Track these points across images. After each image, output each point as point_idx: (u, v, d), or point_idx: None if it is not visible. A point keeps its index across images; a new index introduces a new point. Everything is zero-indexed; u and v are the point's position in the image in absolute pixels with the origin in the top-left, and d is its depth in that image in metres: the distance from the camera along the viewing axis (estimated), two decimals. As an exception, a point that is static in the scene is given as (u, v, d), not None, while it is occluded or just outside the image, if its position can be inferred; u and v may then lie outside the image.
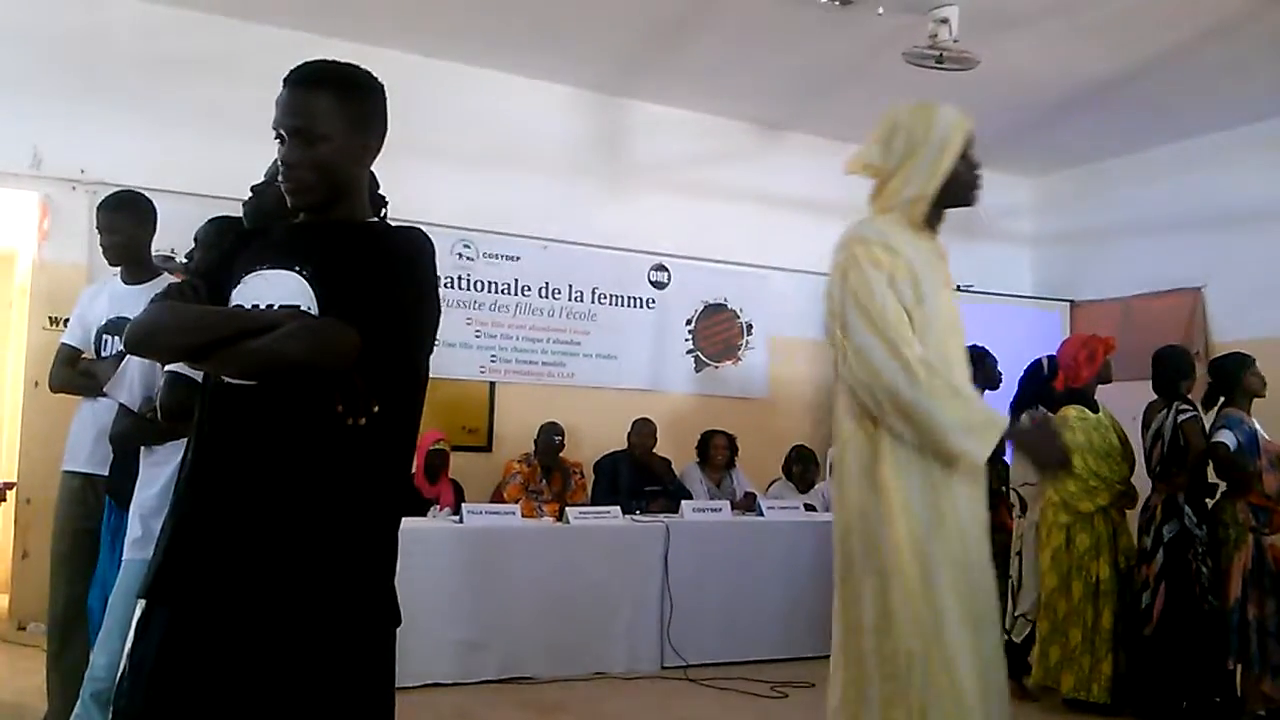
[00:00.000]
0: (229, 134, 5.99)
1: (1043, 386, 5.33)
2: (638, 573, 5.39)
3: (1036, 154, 8.44)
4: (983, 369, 5.49)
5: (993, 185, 8.47)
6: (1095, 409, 5.11)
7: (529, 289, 7.26)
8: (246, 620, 1.71)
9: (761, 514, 5.97)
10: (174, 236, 4.01)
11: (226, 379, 1.82)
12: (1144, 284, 8.00)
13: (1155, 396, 5.15)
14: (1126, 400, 5.42)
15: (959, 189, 2.70)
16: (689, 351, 7.78)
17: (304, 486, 1.76)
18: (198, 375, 1.95)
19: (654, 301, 7.69)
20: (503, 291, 7.16)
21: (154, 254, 3.87)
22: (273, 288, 1.84)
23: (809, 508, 6.45)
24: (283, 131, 1.88)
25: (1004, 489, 5.33)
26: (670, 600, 5.39)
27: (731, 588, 5.57)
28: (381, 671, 1.83)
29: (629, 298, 7.62)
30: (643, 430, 6.71)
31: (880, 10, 5.83)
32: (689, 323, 7.80)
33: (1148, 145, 8.04)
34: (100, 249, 3.77)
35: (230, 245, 2.05)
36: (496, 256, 7.15)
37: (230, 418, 1.81)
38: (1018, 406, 5.38)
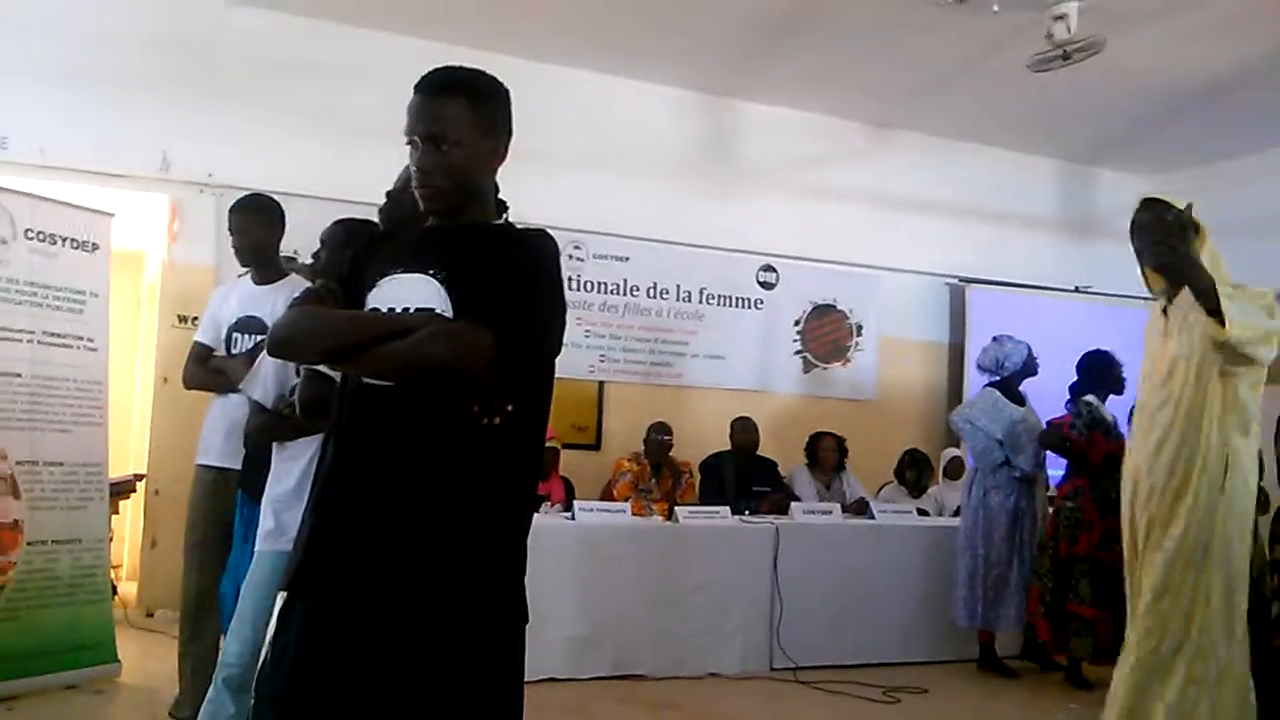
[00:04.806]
0: (350, 139, 6.17)
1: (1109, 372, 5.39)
2: (747, 573, 5.37)
3: (1154, 152, 8.19)
4: (1109, 375, 5.36)
5: (1111, 184, 8.31)
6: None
7: (638, 289, 7.30)
8: (383, 614, 1.75)
9: (873, 517, 5.91)
10: (297, 238, 4.12)
11: (365, 379, 1.86)
12: (1267, 284, 7.65)
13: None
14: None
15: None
16: (797, 352, 7.74)
17: (441, 485, 1.80)
18: (334, 373, 2.00)
19: (762, 302, 7.67)
20: (612, 292, 7.21)
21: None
22: (407, 291, 1.88)
23: (922, 512, 6.36)
24: (416, 138, 1.92)
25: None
26: (780, 602, 5.36)
27: (842, 591, 5.52)
28: (513, 668, 1.86)
29: (737, 298, 7.61)
30: (744, 429, 6.69)
31: (995, 8, 5.71)
32: (797, 323, 7.75)
33: (1266, 145, 7.74)
34: (230, 250, 3.89)
35: (363, 249, 2.11)
36: (606, 257, 7.20)
37: (369, 417, 1.85)
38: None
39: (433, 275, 1.88)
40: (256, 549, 2.86)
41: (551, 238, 1.97)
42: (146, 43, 6.07)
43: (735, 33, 6.48)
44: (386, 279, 1.92)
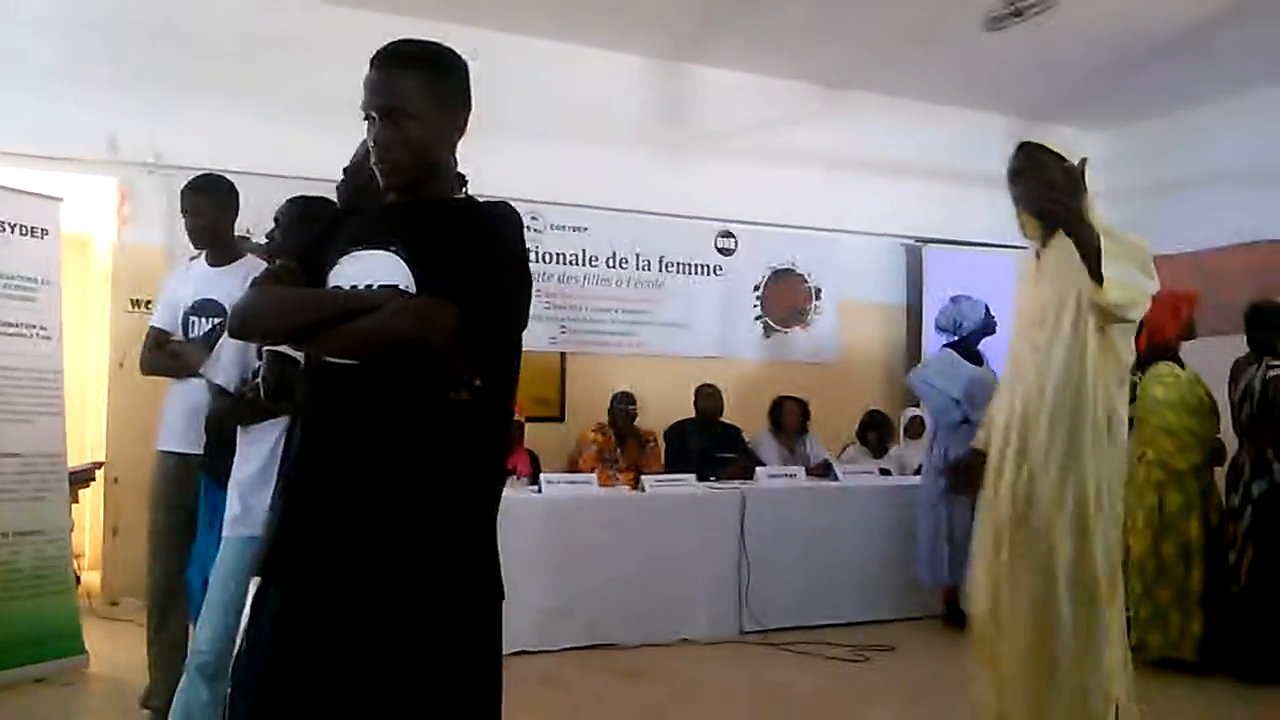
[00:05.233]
0: (302, 115, 6.08)
1: None
2: (715, 539, 5.41)
3: (1110, 106, 8.24)
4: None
5: (1068, 141, 8.32)
6: (1182, 366, 5.02)
7: (597, 259, 7.28)
8: (357, 597, 1.74)
9: (837, 479, 5.95)
10: (249, 217, 4.04)
11: (329, 359, 1.84)
12: (1223, 238, 7.79)
13: (1235, 354, 5.05)
14: (1201, 358, 5.29)
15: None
16: (758, 318, 7.77)
17: (410, 463, 1.79)
18: (298, 354, 1.98)
19: (721, 269, 7.67)
20: (571, 263, 7.18)
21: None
22: (369, 268, 1.85)
23: (884, 472, 6.42)
24: (373, 113, 1.89)
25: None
26: (748, 566, 5.40)
27: (809, 552, 5.58)
28: (491, 644, 1.86)
29: (697, 265, 7.61)
30: (708, 396, 6.73)
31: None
32: (756, 289, 7.77)
33: (1222, 96, 7.81)
34: (182, 231, 3.83)
35: (323, 227, 2.08)
36: (564, 228, 7.17)
37: (335, 397, 1.83)
38: None
39: (394, 251, 1.86)
40: (224, 534, 2.83)
41: (514, 210, 1.95)
42: (91, 23, 5.94)
43: (688, -1, 6.45)
44: (347, 257, 1.90)
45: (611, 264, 7.34)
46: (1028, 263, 3.27)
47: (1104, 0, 6.23)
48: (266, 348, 2.25)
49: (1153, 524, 4.90)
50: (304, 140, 5.94)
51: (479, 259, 1.83)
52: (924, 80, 7.74)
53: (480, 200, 2.00)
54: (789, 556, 5.53)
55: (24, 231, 4.78)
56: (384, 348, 1.78)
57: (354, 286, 1.85)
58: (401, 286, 1.82)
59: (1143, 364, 5.01)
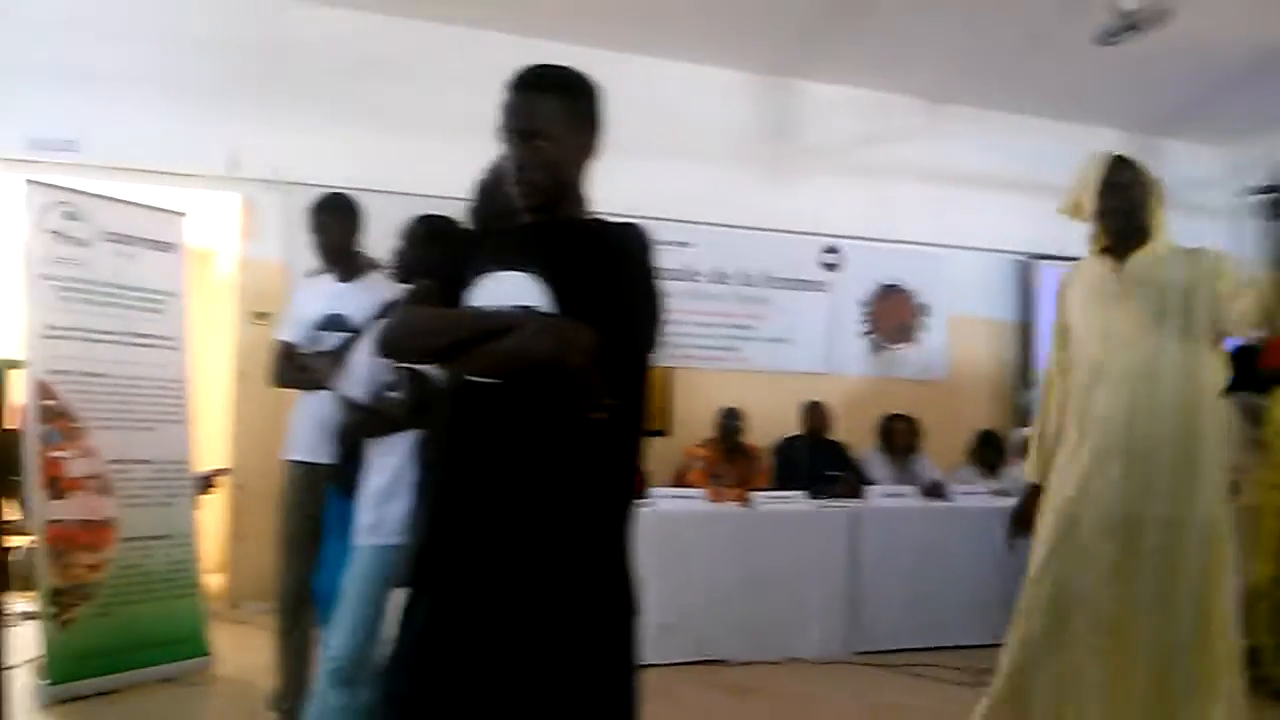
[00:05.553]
0: (417, 133, 6.24)
1: (1248, 368, 5.07)
2: (826, 557, 5.37)
3: (1222, 121, 8.00)
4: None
5: (1179, 155, 8.14)
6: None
7: (700, 275, 7.29)
8: (501, 610, 1.78)
9: (950, 499, 5.87)
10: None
11: (471, 377, 1.89)
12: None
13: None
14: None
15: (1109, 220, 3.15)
16: (864, 334, 7.69)
17: (549, 479, 1.83)
18: (434, 371, 2.03)
19: (826, 284, 7.62)
20: (675, 278, 7.20)
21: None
22: (507, 289, 1.90)
23: (998, 494, 6.30)
24: (511, 134, 1.94)
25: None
26: (859, 585, 5.35)
27: (921, 573, 5.50)
28: (627, 659, 1.88)
29: (801, 281, 7.57)
30: (816, 413, 6.68)
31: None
32: (863, 304, 7.70)
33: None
34: (300, 246, 3.94)
35: (461, 247, 2.14)
36: (668, 243, 7.18)
37: (476, 415, 1.88)
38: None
39: (531, 272, 1.90)
40: (356, 543, 2.90)
41: (646, 231, 1.99)
42: (213, 43, 6.15)
43: (791, 12, 6.43)
44: (486, 277, 1.95)
45: (716, 280, 7.35)
46: (1100, 279, 3.17)
47: (1219, 12, 6.06)
48: (405, 365, 2.31)
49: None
50: (421, 158, 6.11)
51: (614, 280, 1.87)
52: (1031, 94, 7.61)
53: (611, 220, 2.04)
54: (900, 576, 5.46)
55: (152, 245, 4.97)
56: (524, 367, 1.82)
57: (493, 307, 1.90)
58: (539, 307, 1.86)
59: (1262, 385, 4.86)
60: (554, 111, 1.94)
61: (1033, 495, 3.28)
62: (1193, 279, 3.03)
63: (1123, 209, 3.10)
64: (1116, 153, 3.19)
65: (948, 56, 7.00)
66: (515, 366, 1.82)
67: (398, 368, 2.36)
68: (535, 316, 1.85)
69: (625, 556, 1.91)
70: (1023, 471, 3.49)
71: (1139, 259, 3.09)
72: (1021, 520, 3.34)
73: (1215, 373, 3.04)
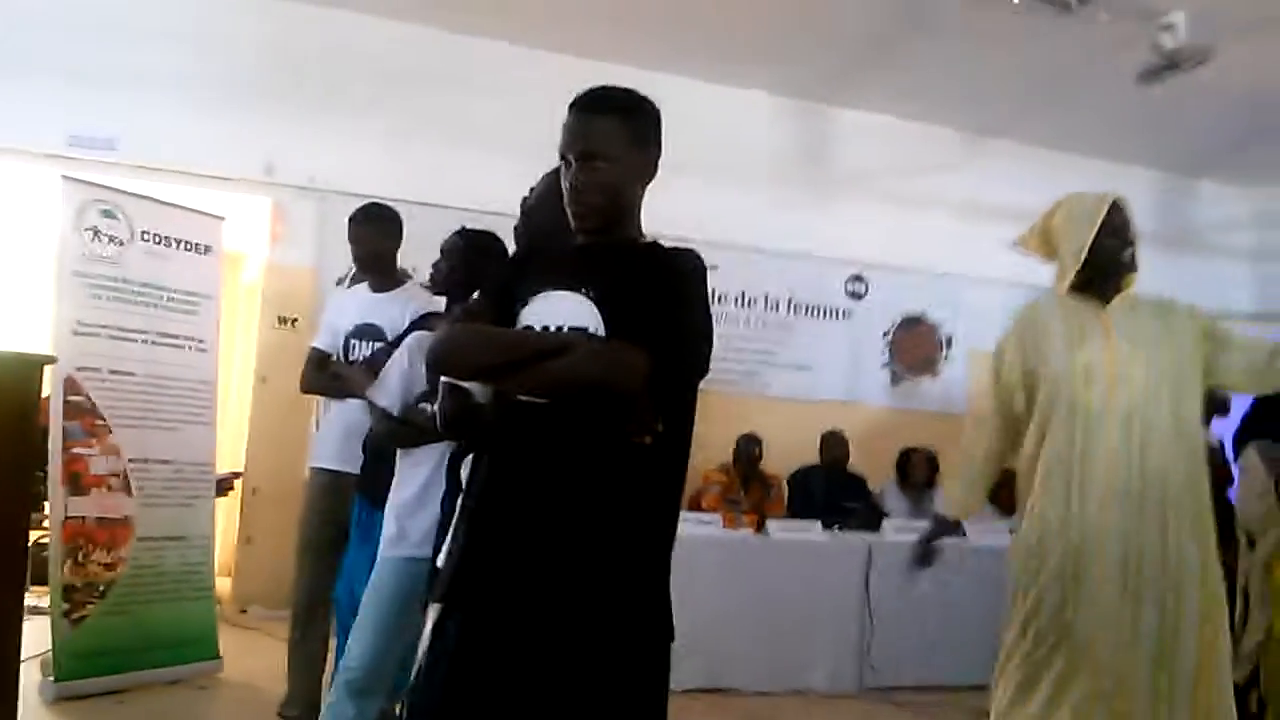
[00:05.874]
0: (453, 146, 6.27)
1: (1274, 417, 5.03)
2: (838, 589, 5.34)
3: (1260, 165, 7.97)
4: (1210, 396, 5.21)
5: (1212, 197, 8.10)
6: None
7: (725, 298, 7.27)
8: (535, 630, 1.77)
9: (965, 536, 5.82)
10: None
11: (519, 396, 1.88)
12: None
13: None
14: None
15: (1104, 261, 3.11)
16: (885, 364, 7.67)
17: (593, 502, 1.81)
18: (473, 386, 2.01)
19: (850, 312, 7.61)
20: (699, 300, 7.18)
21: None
22: (560, 309, 1.90)
23: (1014, 531, 6.25)
24: (570, 155, 1.94)
25: (1233, 530, 5.04)
26: (871, 619, 5.31)
27: (934, 610, 5.44)
28: (659, 685, 1.87)
29: (825, 308, 7.56)
30: (835, 443, 6.66)
31: (1106, 18, 5.61)
32: (886, 334, 7.69)
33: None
34: (331, 252, 3.96)
35: (512, 265, 2.13)
36: (694, 265, 7.16)
37: (521, 433, 1.87)
38: (1243, 436, 5.08)
39: (585, 293, 1.90)
40: (380, 554, 2.89)
41: (699, 256, 1.98)
42: (254, 48, 6.19)
43: (831, 39, 6.45)
44: (538, 296, 1.94)
45: (740, 303, 7.34)
46: (1081, 319, 3.14)
47: (1259, 53, 6.05)
48: (445, 379, 2.30)
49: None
50: (457, 171, 6.14)
51: (667, 304, 1.87)
52: (1066, 130, 7.60)
53: (666, 244, 2.03)
54: (913, 612, 5.40)
55: (188, 247, 4.98)
56: (574, 390, 1.81)
57: (545, 327, 1.89)
58: (591, 329, 1.86)
59: None
60: (613, 133, 1.94)
61: (947, 530, 3.52)
62: (1174, 325, 3.10)
63: (1118, 251, 3.13)
64: (1115, 194, 3.20)
65: (986, 90, 7.00)
66: (565, 388, 1.82)
67: (438, 381, 2.34)
68: (587, 339, 1.83)
69: (662, 582, 1.90)
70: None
71: (1123, 302, 3.14)
72: (928, 553, 3.57)
73: (1198, 416, 3.08)
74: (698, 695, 4.95)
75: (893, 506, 6.43)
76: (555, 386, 1.82)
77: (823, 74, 6.98)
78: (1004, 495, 6.76)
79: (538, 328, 1.90)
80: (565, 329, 1.87)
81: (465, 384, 2.21)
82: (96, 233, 4.61)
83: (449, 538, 1.99)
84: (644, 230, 2.06)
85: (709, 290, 2.00)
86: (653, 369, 1.79)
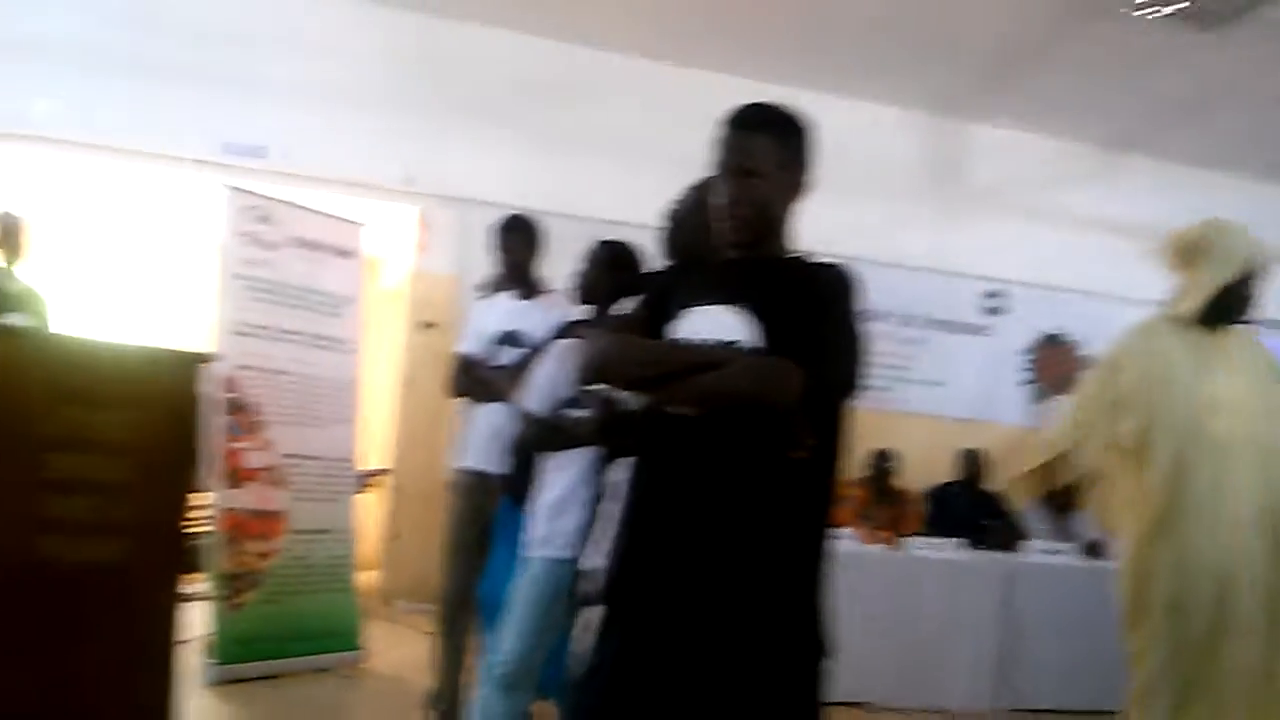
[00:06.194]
0: (590, 159, 6.36)
1: None
2: (977, 608, 5.24)
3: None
4: None
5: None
6: None
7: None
8: (696, 639, 1.80)
9: (1109, 560, 5.65)
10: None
11: (672, 408, 1.91)
12: None
13: None
14: None
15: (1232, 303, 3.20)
16: (1025, 382, 7.50)
17: (745, 515, 1.84)
18: (622, 395, 2.06)
19: (987, 328, 7.46)
20: (834, 313, 7.14)
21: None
22: (714, 323, 1.92)
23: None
24: (725, 170, 1.97)
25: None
26: (1011, 639, 5.20)
27: (1075, 633, 5.29)
28: (816, 699, 1.88)
29: (960, 323, 7.44)
30: (974, 460, 6.56)
31: (1247, 37, 5.41)
32: (1025, 352, 7.52)
33: None
34: (470, 259, 4.06)
35: (665, 278, 2.18)
36: (829, 278, 7.13)
37: (677, 444, 1.90)
38: None
39: (738, 307, 1.92)
40: (527, 554, 2.96)
41: (853, 271, 1.99)
42: (398, 61, 6.39)
43: (968, 54, 6.36)
44: (692, 310, 1.97)
45: (875, 318, 7.26)
46: (1197, 349, 3.22)
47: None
48: (599, 388, 2.36)
49: None
50: (593, 183, 6.24)
51: (821, 319, 1.88)
52: (1209, 147, 7.34)
53: (818, 259, 2.05)
54: (1054, 634, 5.27)
55: (335, 252, 5.19)
56: (728, 404, 1.84)
57: (699, 340, 1.92)
58: (744, 343, 1.88)
59: None
60: (767, 149, 1.97)
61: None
62: (1269, 359, 3.24)
63: (1249, 300, 3.22)
64: (1263, 246, 3.25)
65: (1125, 105, 6.81)
66: (719, 402, 1.84)
67: (588, 389, 2.40)
68: (744, 354, 1.86)
69: (819, 597, 1.91)
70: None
71: (1237, 334, 3.25)
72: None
73: None
74: (835, 708, 4.90)
75: (1033, 527, 6.27)
76: (707, 400, 1.85)
77: (955, 89, 6.88)
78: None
79: (692, 340, 1.93)
80: (719, 343, 1.90)
81: (613, 392, 2.27)
82: (253, 238, 4.83)
83: (610, 542, 2.04)
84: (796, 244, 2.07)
85: (863, 305, 2.00)
86: (807, 384, 1.80)
